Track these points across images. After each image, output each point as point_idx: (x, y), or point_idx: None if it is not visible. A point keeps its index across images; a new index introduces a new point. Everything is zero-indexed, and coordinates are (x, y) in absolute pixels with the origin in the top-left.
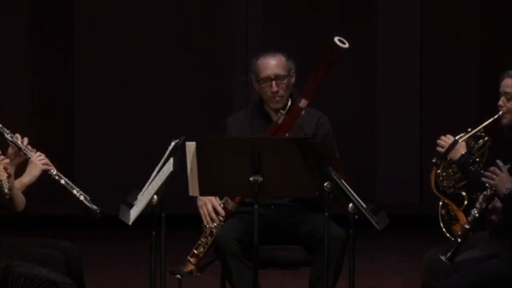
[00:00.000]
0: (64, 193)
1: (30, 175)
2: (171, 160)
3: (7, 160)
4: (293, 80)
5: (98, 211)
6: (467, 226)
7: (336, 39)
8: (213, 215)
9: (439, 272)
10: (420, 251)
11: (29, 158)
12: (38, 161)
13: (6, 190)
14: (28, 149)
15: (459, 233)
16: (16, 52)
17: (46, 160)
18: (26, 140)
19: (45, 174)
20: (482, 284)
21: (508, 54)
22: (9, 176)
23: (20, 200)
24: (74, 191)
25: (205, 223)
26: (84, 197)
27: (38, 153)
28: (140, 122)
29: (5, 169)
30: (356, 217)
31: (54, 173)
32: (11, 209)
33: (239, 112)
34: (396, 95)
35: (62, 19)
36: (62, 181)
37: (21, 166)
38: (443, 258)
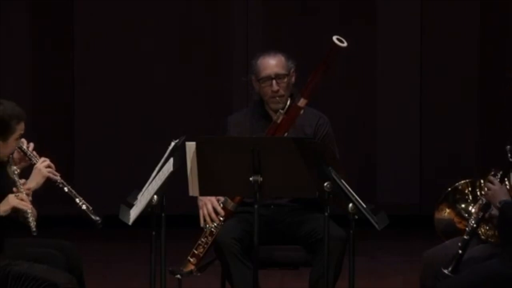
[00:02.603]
0: (64, 193)
1: (35, 181)
2: (171, 160)
3: (27, 186)
4: (293, 79)
5: (99, 221)
6: (466, 237)
7: (334, 38)
8: (213, 215)
9: (438, 271)
10: (420, 251)
11: (34, 163)
12: (43, 168)
13: (33, 228)
14: (33, 154)
15: (459, 244)
16: (16, 52)
17: (50, 164)
18: (31, 145)
19: (49, 180)
20: (481, 284)
21: (508, 54)
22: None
23: (34, 215)
24: (77, 200)
25: (202, 222)
26: (87, 207)
27: (43, 158)
28: (140, 122)
29: (27, 195)
30: (356, 217)
31: (59, 180)
32: (25, 220)
33: (239, 112)
34: (396, 95)
35: (62, 19)
36: (66, 189)
37: (26, 171)
38: (446, 271)
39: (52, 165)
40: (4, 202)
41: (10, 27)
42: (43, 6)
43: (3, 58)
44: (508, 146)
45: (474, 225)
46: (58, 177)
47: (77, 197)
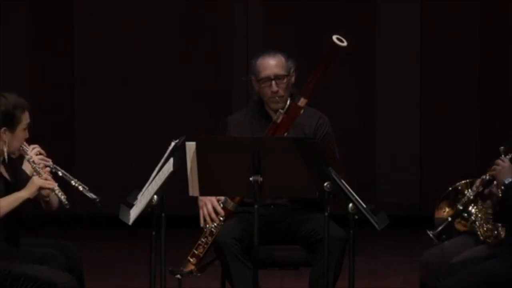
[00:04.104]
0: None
1: (28, 170)
2: (171, 160)
3: (48, 168)
4: (293, 79)
5: (97, 200)
6: (460, 207)
7: (334, 37)
8: (213, 215)
9: (438, 272)
10: (420, 251)
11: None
12: (34, 156)
13: (65, 201)
14: (23, 145)
15: (450, 212)
16: (16, 52)
17: (40, 150)
18: None
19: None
20: (480, 284)
21: (508, 54)
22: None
23: (55, 201)
24: (72, 182)
25: (202, 222)
26: (83, 187)
27: (32, 146)
28: (140, 122)
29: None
30: (356, 217)
31: (51, 166)
32: (48, 209)
33: (239, 112)
34: (396, 95)
35: (62, 19)
36: (60, 173)
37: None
38: (430, 233)
39: (42, 151)
40: (29, 184)
41: (10, 27)
42: (43, 6)
43: (3, 58)
44: (502, 147)
45: (471, 197)
46: (50, 163)
47: (72, 180)
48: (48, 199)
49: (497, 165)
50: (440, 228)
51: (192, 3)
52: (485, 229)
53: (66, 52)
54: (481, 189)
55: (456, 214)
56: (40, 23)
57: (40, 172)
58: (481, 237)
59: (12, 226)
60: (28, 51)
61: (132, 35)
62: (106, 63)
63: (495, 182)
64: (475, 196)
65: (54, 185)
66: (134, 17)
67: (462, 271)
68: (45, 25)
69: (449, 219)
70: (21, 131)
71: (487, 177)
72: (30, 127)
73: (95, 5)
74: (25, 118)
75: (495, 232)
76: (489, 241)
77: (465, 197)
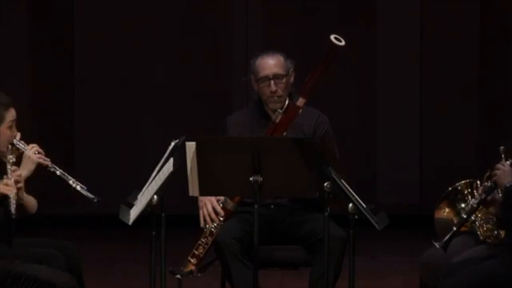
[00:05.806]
0: (64, 193)
1: (26, 169)
2: (171, 160)
3: (18, 172)
4: (292, 79)
5: (95, 199)
6: (464, 216)
7: (332, 37)
8: (213, 215)
9: (438, 272)
10: (420, 251)
11: (23, 152)
12: (33, 154)
13: (13, 211)
14: (21, 143)
15: (455, 221)
16: (16, 52)
17: (38, 149)
18: (18, 134)
19: (40, 167)
20: (480, 284)
21: (508, 54)
22: (19, 189)
23: (31, 205)
24: (70, 182)
25: (202, 222)
26: (81, 187)
27: (31, 145)
28: (140, 122)
29: (16, 182)
30: (356, 217)
31: (50, 165)
32: (25, 213)
33: (239, 112)
34: (396, 95)
35: (62, 19)
36: (58, 173)
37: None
38: (437, 244)
39: (41, 150)
40: None
41: (10, 27)
42: (43, 6)
43: (3, 58)
44: (502, 147)
45: (475, 205)
46: (48, 162)
47: (70, 179)
48: (22, 201)
49: (498, 169)
50: (446, 238)
51: (192, 3)
52: (485, 229)
53: (66, 52)
54: (483, 196)
55: (461, 223)
56: (40, 23)
57: (9, 175)
58: (481, 237)
59: (6, 227)
60: (28, 51)
61: (132, 35)
62: (106, 63)
63: (496, 188)
64: (478, 203)
65: (11, 192)
66: (134, 17)
67: (462, 271)
68: (45, 25)
69: (454, 228)
70: (6, 129)
71: (489, 184)
72: (29, 127)
73: (95, 5)
74: (10, 116)
75: (495, 232)
76: (489, 241)
77: (469, 205)
